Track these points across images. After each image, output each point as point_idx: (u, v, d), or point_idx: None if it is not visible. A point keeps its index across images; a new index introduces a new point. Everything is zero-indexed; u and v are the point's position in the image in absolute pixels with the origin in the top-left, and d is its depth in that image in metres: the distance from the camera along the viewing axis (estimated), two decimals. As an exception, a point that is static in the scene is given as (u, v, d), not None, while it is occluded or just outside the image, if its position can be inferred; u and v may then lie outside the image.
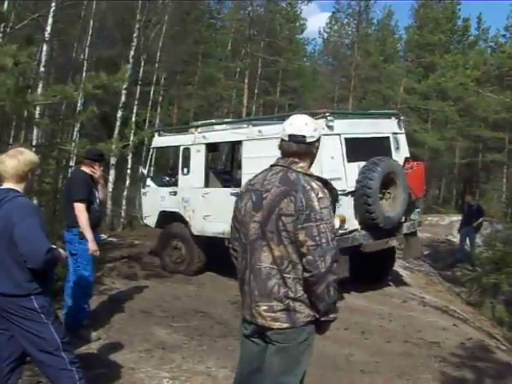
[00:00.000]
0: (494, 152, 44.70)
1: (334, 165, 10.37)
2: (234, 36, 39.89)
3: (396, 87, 40.91)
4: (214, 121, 14.74)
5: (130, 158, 25.56)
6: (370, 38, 47.05)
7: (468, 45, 44.82)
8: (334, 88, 48.33)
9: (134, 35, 25.17)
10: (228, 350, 7.93)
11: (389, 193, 11.13)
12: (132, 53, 24.88)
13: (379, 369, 7.74)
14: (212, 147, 13.09)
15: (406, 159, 11.93)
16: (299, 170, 4.11)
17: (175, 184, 13.41)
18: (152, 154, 14.26)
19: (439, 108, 36.05)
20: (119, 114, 24.32)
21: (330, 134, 10.27)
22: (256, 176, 4.33)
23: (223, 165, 15.07)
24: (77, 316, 8.02)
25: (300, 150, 4.18)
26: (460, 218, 22.74)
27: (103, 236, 14.65)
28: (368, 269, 11.52)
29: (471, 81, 11.62)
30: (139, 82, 28.34)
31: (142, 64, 28.66)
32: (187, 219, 12.72)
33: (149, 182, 14.13)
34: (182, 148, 13.16)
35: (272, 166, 4.31)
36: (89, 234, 7.72)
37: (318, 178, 4.16)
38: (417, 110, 41.46)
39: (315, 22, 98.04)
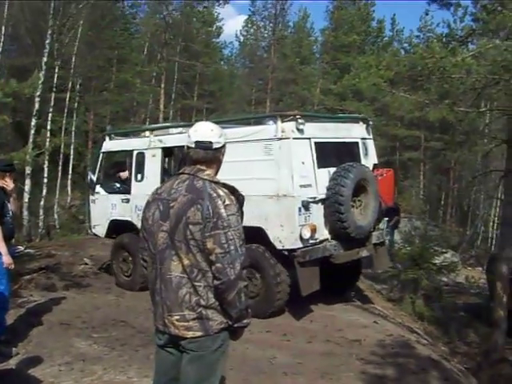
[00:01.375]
0: (411, 150, 45.74)
1: (305, 170, 9.81)
2: (150, 41, 39.57)
3: (312, 88, 41.38)
4: (169, 124, 14.11)
5: (46, 166, 25.07)
6: (286, 40, 47.42)
7: (382, 46, 45.73)
8: (251, 91, 48.51)
9: (47, 41, 24.64)
10: (149, 358, 7.78)
11: (359, 200, 10.56)
12: (45, 59, 24.32)
13: (302, 370, 7.78)
14: (169, 151, 12.35)
15: (375, 166, 11.53)
16: (205, 177, 4.08)
17: (128, 191, 12.57)
18: (102, 159, 13.44)
19: (355, 108, 36.57)
20: (33, 121, 23.72)
21: (300, 138, 9.78)
22: (163, 185, 4.29)
23: (179, 170, 14.69)
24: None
25: (207, 156, 4.14)
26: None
27: (20, 247, 14.33)
28: (332, 281, 10.87)
29: (384, 81, 11.83)
30: (54, 89, 27.83)
31: (57, 70, 28.16)
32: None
33: (98, 188, 13.27)
34: (135, 152, 12.41)
35: (178, 173, 4.25)
36: (2, 248, 7.50)
37: (225, 185, 4.11)
38: (333, 110, 42.03)
39: (232, 25, 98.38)
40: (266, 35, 47.94)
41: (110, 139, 13.35)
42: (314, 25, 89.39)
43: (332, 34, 43.96)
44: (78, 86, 33.52)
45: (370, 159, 11.41)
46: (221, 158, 4.26)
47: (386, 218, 11.56)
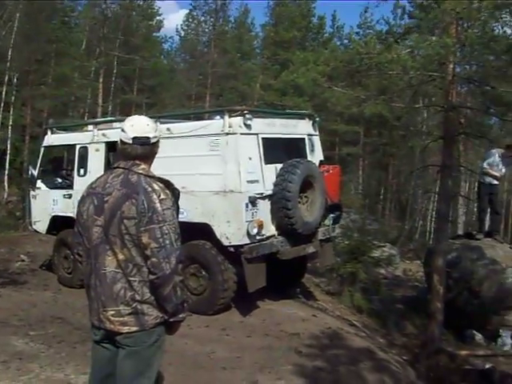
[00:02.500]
0: (350, 145, 46.17)
1: (252, 166, 9.76)
2: (89, 34, 39.02)
3: (253, 84, 41.39)
4: (113, 118, 13.88)
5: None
6: (227, 35, 47.35)
7: (323, 42, 45.97)
8: (191, 86, 48.28)
9: (-18, 34, 24.11)
10: (87, 355, 7.61)
11: (306, 197, 10.59)
12: (-20, 52, 23.79)
13: (240, 364, 7.83)
14: (113, 146, 11.64)
15: (321, 162, 11.55)
16: (140, 171, 4.07)
17: (70, 186, 12.37)
18: (43, 153, 13.23)
19: (295, 104, 36.73)
20: (-32, 116, 23.20)
21: (248, 133, 9.72)
22: (98, 179, 4.26)
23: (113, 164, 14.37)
24: None
25: (145, 151, 4.13)
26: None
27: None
28: (277, 277, 10.84)
29: (322, 76, 11.89)
30: (-11, 83, 27.29)
31: (-8, 63, 27.60)
32: None
33: (39, 183, 13.02)
34: (78, 147, 12.16)
35: (113, 168, 4.22)
36: None
37: (160, 179, 4.11)
38: (273, 106, 42.15)
39: (174, 19, 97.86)
40: (206, 30, 47.89)
41: (53, 133, 13.06)
42: (255, 20, 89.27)
43: (273, 29, 44.02)
44: (14, 80, 32.87)
45: (316, 155, 11.49)
46: (156, 152, 4.25)
47: (332, 215, 11.55)
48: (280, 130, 10.66)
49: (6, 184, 30.84)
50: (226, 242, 9.66)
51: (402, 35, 12.58)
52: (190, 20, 49.62)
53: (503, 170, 14.39)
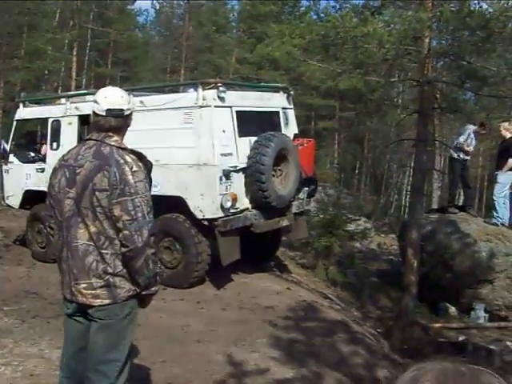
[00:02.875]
0: (326, 120, 46.21)
1: (226, 139, 9.72)
2: (62, 6, 38.47)
3: (228, 57, 41.19)
4: (87, 91, 13.73)
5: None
6: (202, 8, 46.96)
7: (299, 16, 45.77)
8: (165, 59, 48.00)
9: (-48, 6, 23.69)
10: (61, 330, 7.62)
11: (280, 170, 10.56)
12: (-50, 25, 23.39)
13: (215, 337, 7.86)
14: (85, 119, 11.50)
15: (296, 135, 11.51)
16: (113, 143, 4.03)
17: (43, 160, 12.30)
18: (16, 127, 13.10)
19: (271, 78, 36.61)
20: None
21: (222, 106, 9.66)
22: (70, 151, 4.23)
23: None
24: None
25: (118, 124, 4.09)
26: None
27: None
28: (251, 250, 10.83)
29: (297, 50, 11.80)
30: (-40, 56, 26.89)
31: (-36, 37, 27.17)
32: None
33: (12, 158, 12.91)
34: (51, 120, 12.04)
35: (85, 140, 4.19)
36: None
37: (132, 151, 4.08)
38: (249, 79, 41.99)
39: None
40: (181, 3, 47.50)
41: (25, 106, 12.92)
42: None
43: (249, 2, 43.74)
44: (-13, 53, 32.43)
45: (290, 129, 11.45)
46: (129, 124, 4.22)
47: (306, 188, 11.54)
48: (254, 103, 10.62)
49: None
50: (199, 216, 9.64)
51: (378, 9, 12.54)
52: (166, -8, 49.25)
53: (473, 146, 14.52)
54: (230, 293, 9.97)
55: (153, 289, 4.11)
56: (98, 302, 3.96)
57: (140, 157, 4.09)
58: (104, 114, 4.03)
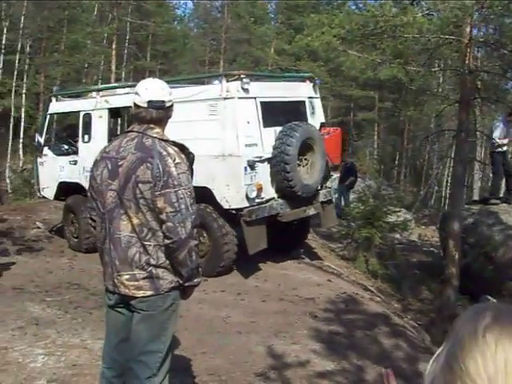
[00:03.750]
0: (365, 110, 45.95)
1: (250, 130, 9.84)
2: (101, 0, 38.77)
3: (267, 49, 41.20)
4: (116, 84, 13.94)
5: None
6: (240, 0, 46.97)
7: (337, 6, 45.50)
8: (204, 51, 48.14)
9: (-6, 2, 24.05)
10: (103, 320, 7.66)
11: (306, 159, 10.63)
12: (-8, 21, 23.76)
13: (256, 328, 7.85)
14: (115, 112, 12.49)
15: (322, 124, 11.51)
16: (155, 135, 4.02)
17: (75, 152, 12.57)
18: (49, 121, 13.47)
19: (309, 68, 36.50)
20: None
21: (246, 98, 9.79)
22: (111, 143, 4.22)
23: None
24: None
25: (159, 116, 4.09)
26: (333, 175, 23.15)
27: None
28: (282, 239, 11.15)
29: (337, 40, 11.69)
30: (2, 51, 27.26)
31: (5, 31, 27.54)
32: None
33: (46, 150, 13.22)
34: (82, 114, 12.31)
35: (127, 132, 4.19)
36: None
37: (174, 143, 4.08)
38: (288, 70, 41.89)
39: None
40: (220, -5, 47.49)
41: (57, 100, 13.25)
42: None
43: (286, -7, 43.70)
44: (27, 48, 32.83)
45: (316, 118, 11.44)
46: (170, 115, 4.22)
47: (334, 176, 11.54)
48: (279, 94, 10.75)
49: (21, 152, 30.95)
50: (225, 206, 9.82)
51: (418, -3, 12.41)
52: (204, -15, 49.33)
53: (510, 135, 14.29)
54: (270, 284, 9.96)
55: (195, 280, 4.10)
56: (140, 293, 3.96)
57: (182, 148, 4.09)
58: (145, 105, 4.03)
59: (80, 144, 12.36)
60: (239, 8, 44.44)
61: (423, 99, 33.85)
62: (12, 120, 30.04)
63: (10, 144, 30.13)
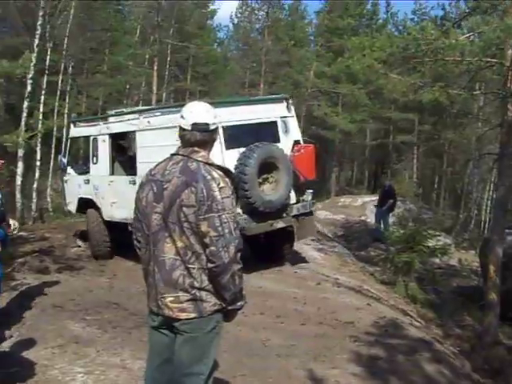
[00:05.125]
0: (404, 133, 45.74)
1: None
2: (143, 22, 39.28)
3: (306, 71, 41.29)
4: (112, 112, 14.95)
5: (38, 149, 24.98)
6: (281, 22, 47.20)
7: (376, 29, 45.46)
8: (244, 73, 48.41)
9: (39, 23, 24.44)
10: (143, 341, 7.73)
11: (272, 177, 11.30)
12: (37, 41, 24.15)
13: (295, 352, 7.78)
14: (115, 137, 13.23)
15: (296, 142, 12.04)
16: (200, 159, 4.04)
17: (88, 172, 13.86)
18: (70, 144, 15.14)
19: (349, 91, 36.56)
20: (25, 104, 23.59)
21: None
22: (157, 165, 4.24)
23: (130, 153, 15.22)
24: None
25: (204, 138, 4.10)
26: (372, 198, 23.08)
27: (14, 226, 14.28)
28: (264, 250, 12.24)
29: (378, 63, 11.70)
30: (46, 71, 27.68)
31: (49, 53, 28.00)
32: (99, 206, 13.24)
33: (70, 170, 14.69)
34: (91, 138, 13.56)
35: (172, 155, 4.20)
36: None
37: (219, 167, 4.08)
38: (327, 93, 41.92)
39: (227, 7, 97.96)
40: (260, 17, 47.77)
41: (75, 126, 14.70)
42: (308, 7, 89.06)
43: (326, 16, 43.77)
44: (70, 69, 33.34)
45: (290, 136, 12.03)
46: (215, 138, 4.24)
47: (311, 191, 12.21)
48: (246, 117, 11.42)
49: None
50: None
51: (460, 20, 12.38)
52: (244, 7, 49.69)
53: None
54: (309, 308, 9.90)
55: (238, 304, 4.11)
56: (184, 315, 3.97)
57: (227, 172, 4.08)
58: (190, 128, 4.05)
59: (91, 165, 13.76)
60: (279, 30, 44.66)
61: (464, 122, 33.59)
62: (54, 140, 30.47)
63: (51, 163, 30.53)
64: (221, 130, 10.49)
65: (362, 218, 25.67)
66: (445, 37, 11.13)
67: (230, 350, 7.40)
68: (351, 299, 10.79)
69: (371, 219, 22.79)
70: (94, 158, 13.47)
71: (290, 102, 12.26)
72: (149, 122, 11.77)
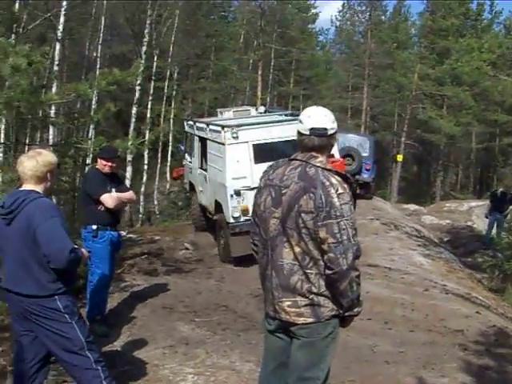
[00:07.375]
0: (511, 136, 44.44)
1: (240, 166, 12.42)
2: (246, 28, 39.69)
3: (410, 74, 40.70)
4: (218, 111, 18.16)
5: (146, 153, 25.64)
6: (383, 25, 46.78)
7: (481, 28, 44.32)
8: (347, 77, 48.17)
9: (146, 31, 25.17)
10: (251, 343, 7.88)
11: None
12: (144, 48, 24.91)
13: (404, 359, 7.68)
14: (200, 139, 15.20)
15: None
16: (318, 164, 4.05)
17: (190, 161, 16.69)
18: (185, 136, 17.72)
19: (454, 93, 35.85)
20: (134, 110, 24.29)
21: (237, 143, 12.44)
22: (274, 171, 4.29)
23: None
24: (90, 312, 8.13)
25: (322, 143, 4.11)
26: (479, 203, 22.53)
27: (123, 233, 14.67)
28: None
29: (487, 65, 11.43)
30: (152, 78, 28.41)
31: (155, 59, 28.73)
32: (196, 191, 15.96)
33: (187, 156, 17.18)
34: (189, 135, 16.66)
35: (290, 160, 4.24)
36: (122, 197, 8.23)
37: (338, 173, 4.06)
38: (431, 96, 41.24)
39: (327, 10, 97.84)
40: (362, 20, 47.48)
41: (187, 124, 17.44)
42: (411, 8, 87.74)
43: (430, 17, 43.06)
44: (175, 75, 34.08)
45: None
46: (333, 143, 4.24)
47: None
48: (273, 135, 12.84)
49: (168, 175, 32.04)
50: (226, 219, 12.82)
51: None
52: (346, 10, 49.51)
53: None
54: (417, 314, 9.76)
55: (355, 310, 4.12)
56: (301, 320, 3.99)
57: (345, 178, 4.06)
58: (308, 133, 4.08)
59: (192, 157, 16.31)
60: (382, 33, 44.25)
61: None
62: (160, 144, 31.18)
63: (158, 167, 31.26)
64: (250, 147, 12.49)
65: (469, 223, 25.12)
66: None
67: (338, 355, 7.32)
68: (460, 307, 10.56)
69: (477, 225, 22.30)
70: (192, 152, 16.13)
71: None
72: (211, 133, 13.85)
